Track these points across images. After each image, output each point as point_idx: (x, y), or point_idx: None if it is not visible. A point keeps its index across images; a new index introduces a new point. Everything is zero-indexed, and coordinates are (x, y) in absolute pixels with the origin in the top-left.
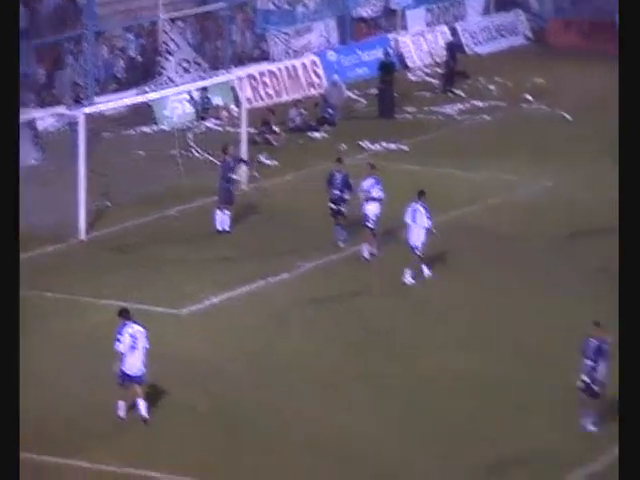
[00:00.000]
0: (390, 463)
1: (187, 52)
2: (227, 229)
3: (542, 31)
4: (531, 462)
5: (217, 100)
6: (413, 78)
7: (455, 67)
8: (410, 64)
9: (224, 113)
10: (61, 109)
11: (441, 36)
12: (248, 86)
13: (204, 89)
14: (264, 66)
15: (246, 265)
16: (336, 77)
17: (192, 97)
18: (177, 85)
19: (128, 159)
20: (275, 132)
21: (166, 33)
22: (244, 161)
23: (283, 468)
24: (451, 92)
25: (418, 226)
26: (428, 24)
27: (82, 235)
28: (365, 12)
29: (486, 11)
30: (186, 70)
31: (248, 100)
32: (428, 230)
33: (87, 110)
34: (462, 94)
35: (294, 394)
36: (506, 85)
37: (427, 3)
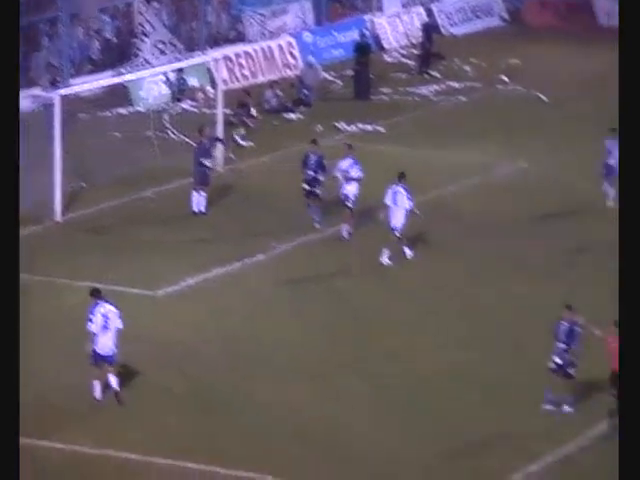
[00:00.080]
0: (362, 442)
1: (163, 33)
2: (203, 210)
3: (518, 11)
4: (505, 445)
5: (193, 81)
6: (389, 59)
7: (431, 48)
8: (386, 45)
9: (200, 94)
10: (37, 91)
11: (417, 17)
12: (224, 67)
13: (180, 70)
14: (240, 47)
15: (222, 246)
16: (312, 58)
17: (168, 78)
18: (153, 66)
19: (104, 140)
20: (252, 114)
21: (141, 14)
22: (220, 140)
23: (258, 450)
24: (427, 73)
25: (399, 208)
26: (404, 5)
27: (58, 217)
28: None
29: None
30: (162, 51)
31: (224, 81)
32: (410, 211)
33: (63, 92)
34: (438, 75)
35: (270, 376)
36: (481, 66)
37: None
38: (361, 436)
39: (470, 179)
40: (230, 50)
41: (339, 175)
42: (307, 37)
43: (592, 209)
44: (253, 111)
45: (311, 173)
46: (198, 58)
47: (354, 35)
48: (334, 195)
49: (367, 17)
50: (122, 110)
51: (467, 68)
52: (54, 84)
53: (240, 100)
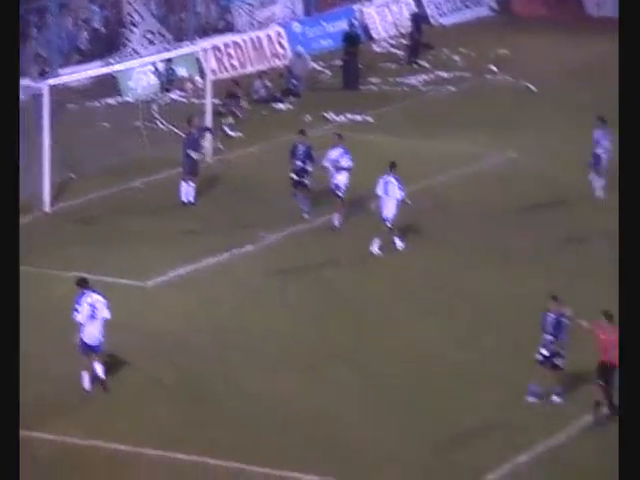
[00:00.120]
0: (348, 430)
1: (151, 23)
2: (192, 201)
3: (507, 1)
4: (494, 435)
5: (182, 71)
6: (378, 49)
7: (420, 38)
8: (375, 35)
9: (189, 84)
10: (25, 81)
11: (406, 7)
12: (213, 57)
13: (169, 60)
14: (229, 37)
15: (211, 237)
16: (301, 48)
17: (157, 69)
18: (141, 57)
19: (93, 131)
20: (240, 104)
21: (130, 4)
22: (208, 129)
23: (248, 440)
24: (416, 63)
25: (390, 198)
26: None
27: (47, 207)
28: None
29: None
30: (150, 42)
31: (213, 72)
32: (401, 201)
33: (51, 82)
34: (427, 65)
35: (260, 366)
36: (471, 56)
37: None
38: (350, 426)
39: (459, 169)
40: (219, 40)
41: (329, 165)
42: (296, 27)
43: (581, 199)
44: (242, 102)
45: (299, 163)
46: (187, 48)
47: (343, 25)
48: (323, 185)
49: (356, 7)
50: (111, 100)
51: (456, 58)
52: (43, 74)
53: (229, 90)
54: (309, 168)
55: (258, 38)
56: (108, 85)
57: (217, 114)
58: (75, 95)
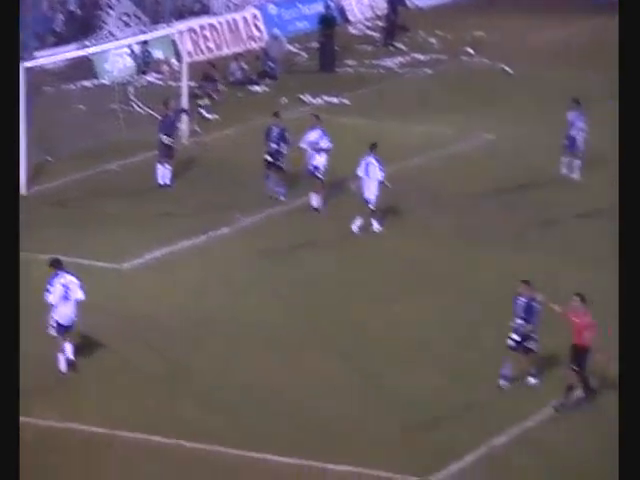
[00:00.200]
0: (325, 413)
1: (127, 6)
2: (168, 183)
3: None
4: (469, 416)
5: (158, 54)
6: (354, 31)
7: (396, 20)
8: (351, 17)
9: (165, 67)
10: None
11: None
12: (189, 40)
13: (145, 43)
14: (205, 20)
15: (187, 219)
16: (277, 31)
17: (133, 51)
18: (117, 39)
19: (69, 113)
20: (217, 87)
21: None
22: (185, 111)
23: (223, 422)
24: (392, 45)
25: (371, 179)
26: None
27: (23, 190)
28: None
29: None
30: (126, 24)
31: (189, 54)
32: (381, 183)
33: (27, 64)
34: (403, 47)
35: (236, 347)
36: (447, 38)
37: None
38: (329, 409)
39: (436, 151)
40: (195, 22)
41: (306, 147)
42: (272, 9)
43: (558, 181)
44: (218, 84)
45: (273, 146)
46: (163, 30)
47: (319, 7)
48: (298, 168)
49: None
50: (87, 83)
51: (432, 40)
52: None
53: (205, 73)
54: (283, 150)
55: (234, 20)
56: (84, 68)
57: (193, 96)
58: (51, 78)
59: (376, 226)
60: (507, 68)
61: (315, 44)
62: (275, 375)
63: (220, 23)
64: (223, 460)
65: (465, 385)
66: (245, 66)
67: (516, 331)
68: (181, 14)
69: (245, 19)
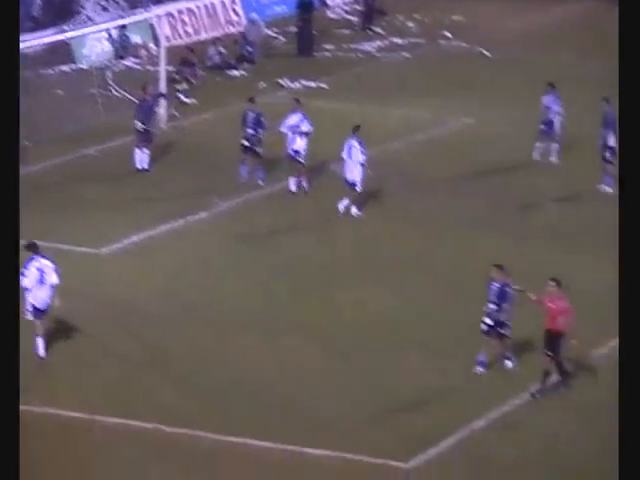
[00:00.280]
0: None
1: None
2: (146, 167)
3: None
4: (448, 400)
5: (136, 38)
6: (332, 15)
7: (374, 4)
8: (329, 1)
9: (143, 52)
10: None
11: None
12: (167, 24)
13: (122, 27)
14: (183, 4)
15: (165, 204)
16: (255, 15)
17: (110, 35)
18: (95, 23)
19: (47, 98)
20: (195, 71)
21: None
22: (163, 95)
23: (203, 406)
24: (370, 29)
25: (353, 162)
26: None
27: None
28: None
29: None
30: (104, 8)
31: (167, 38)
32: (362, 165)
33: None
34: (381, 31)
35: (216, 332)
36: (424, 22)
37: None
38: (308, 393)
39: (414, 135)
40: (173, 7)
41: (286, 130)
42: None
43: (537, 165)
44: (196, 69)
45: (250, 131)
46: (141, 15)
47: None
48: (276, 152)
49: None
50: (65, 68)
51: (410, 24)
52: None
53: (183, 57)
54: (260, 135)
55: (212, 5)
56: (62, 52)
57: (171, 81)
58: (29, 62)
59: (354, 210)
60: (485, 51)
61: (293, 28)
62: (254, 359)
63: (198, 7)
64: (203, 445)
65: (444, 369)
66: (223, 50)
67: (489, 316)
68: None
69: (223, 3)
